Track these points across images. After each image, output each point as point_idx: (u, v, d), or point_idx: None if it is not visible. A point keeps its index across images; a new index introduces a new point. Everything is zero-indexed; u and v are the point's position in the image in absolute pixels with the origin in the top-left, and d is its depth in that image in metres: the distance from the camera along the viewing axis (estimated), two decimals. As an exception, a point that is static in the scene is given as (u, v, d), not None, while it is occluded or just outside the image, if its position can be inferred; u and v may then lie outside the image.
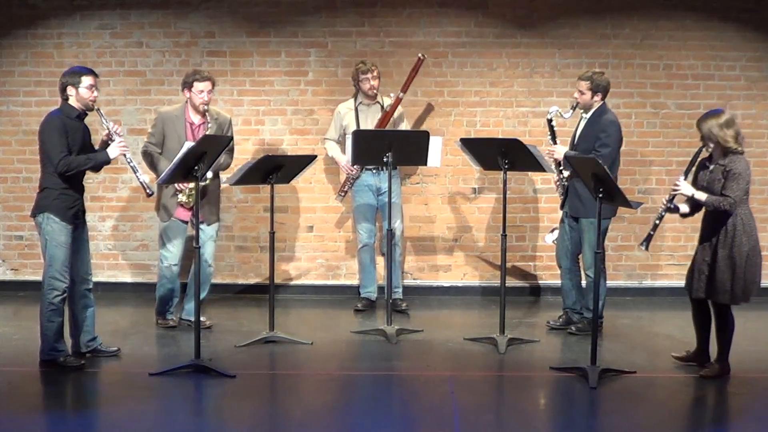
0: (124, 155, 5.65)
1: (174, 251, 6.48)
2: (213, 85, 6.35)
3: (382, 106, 7.06)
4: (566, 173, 6.41)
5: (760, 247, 5.47)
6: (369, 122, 7.03)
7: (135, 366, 5.73)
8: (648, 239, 5.67)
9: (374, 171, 7.06)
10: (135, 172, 5.71)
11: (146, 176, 5.85)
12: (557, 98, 7.52)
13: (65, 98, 5.56)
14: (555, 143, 6.40)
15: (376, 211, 7.20)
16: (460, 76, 7.69)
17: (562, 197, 6.56)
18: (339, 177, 7.61)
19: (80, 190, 5.67)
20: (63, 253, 5.51)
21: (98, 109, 5.61)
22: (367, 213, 7.16)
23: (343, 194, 7.24)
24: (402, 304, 7.14)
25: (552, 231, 6.82)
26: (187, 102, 6.39)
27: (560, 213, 6.69)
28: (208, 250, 6.42)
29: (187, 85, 6.31)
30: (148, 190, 5.72)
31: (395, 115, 7.07)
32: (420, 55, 7.06)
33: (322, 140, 7.51)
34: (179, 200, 6.37)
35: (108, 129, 5.60)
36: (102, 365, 5.73)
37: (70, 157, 5.47)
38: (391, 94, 7.07)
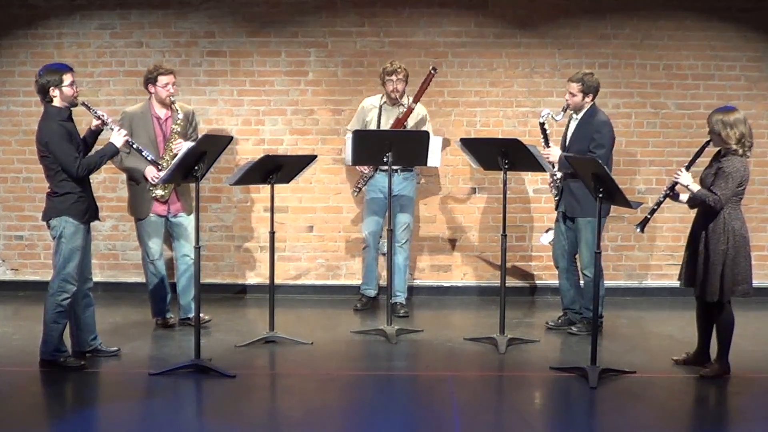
0: (128, 141, 5.68)
1: (155, 247, 6.54)
2: (175, 77, 6.50)
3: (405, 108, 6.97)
4: (559, 174, 6.44)
5: (748, 249, 5.46)
6: (390, 123, 6.92)
7: (135, 366, 5.73)
8: (644, 222, 5.72)
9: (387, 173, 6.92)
10: (141, 152, 5.81)
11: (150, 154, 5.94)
12: (557, 98, 7.51)
13: (48, 100, 5.47)
14: (548, 146, 6.42)
15: (386, 206, 7.07)
16: (460, 76, 7.69)
17: (556, 198, 6.57)
18: (340, 176, 7.62)
19: (91, 190, 5.70)
20: (78, 257, 5.52)
21: (83, 102, 5.59)
22: (376, 207, 7.07)
23: (357, 190, 7.16)
24: (401, 310, 7.04)
25: (547, 231, 6.83)
26: (150, 98, 6.47)
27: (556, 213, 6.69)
28: (185, 243, 6.49)
29: (151, 80, 6.40)
30: (159, 166, 5.86)
31: (414, 120, 6.95)
32: (432, 69, 6.91)
33: (323, 140, 7.50)
34: (154, 195, 6.40)
35: (101, 119, 5.59)
36: (102, 365, 5.73)
37: (84, 159, 5.47)
38: (410, 98, 6.95)
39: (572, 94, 6.35)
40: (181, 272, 6.59)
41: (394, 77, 6.84)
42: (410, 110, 6.90)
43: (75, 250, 5.51)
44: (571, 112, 6.45)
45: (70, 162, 5.41)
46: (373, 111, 7.03)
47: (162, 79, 6.37)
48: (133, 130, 6.36)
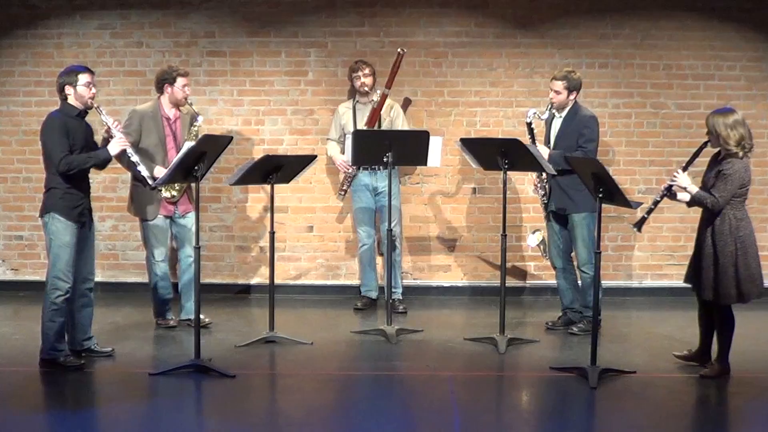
0: (126, 150, 5.65)
1: (161, 248, 6.53)
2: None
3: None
4: (544, 175, 6.44)
5: (756, 249, 5.45)
6: (365, 119, 7.04)
7: (135, 366, 5.73)
8: (641, 222, 5.73)
9: (371, 170, 7.08)
10: (136, 166, 5.75)
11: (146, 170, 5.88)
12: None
13: (64, 98, 5.56)
14: (535, 144, 6.42)
15: (374, 213, 7.22)
16: (460, 76, 7.69)
17: (544, 200, 6.57)
18: (338, 176, 7.62)
19: (85, 189, 5.68)
20: (67, 254, 5.51)
21: (98, 107, 5.60)
22: (366, 216, 7.20)
23: (343, 193, 7.26)
24: (399, 305, 7.12)
25: (534, 232, 6.83)
26: (160, 98, 6.47)
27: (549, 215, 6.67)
28: (193, 241, 6.46)
29: (169, 81, 6.40)
30: (150, 182, 5.78)
31: (390, 112, 7.09)
32: (399, 50, 7.09)
33: (323, 141, 7.52)
34: (164, 196, 6.39)
35: (108, 125, 5.60)
36: (102, 365, 5.73)
37: (70, 156, 5.46)
38: (378, 91, 7.09)
39: (557, 92, 6.37)
40: (184, 272, 6.58)
41: (360, 73, 7.03)
42: (384, 96, 7.05)
43: (63, 247, 5.50)
44: (554, 111, 6.46)
45: (55, 154, 5.44)
46: (347, 113, 7.14)
47: (180, 81, 6.38)
48: (143, 129, 6.35)
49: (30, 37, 7.68)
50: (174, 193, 6.42)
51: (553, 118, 6.51)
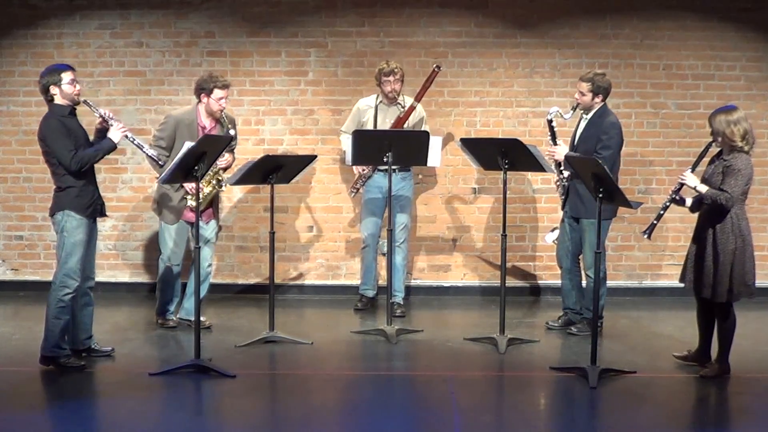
0: (126, 136, 5.63)
1: (179, 252, 6.49)
2: (228, 91, 6.37)
3: (403, 107, 6.98)
4: (566, 173, 6.41)
5: (752, 249, 5.45)
6: (387, 122, 6.94)
7: (135, 366, 5.73)
8: (651, 228, 5.67)
9: (386, 173, 6.96)
10: (141, 149, 5.71)
11: (153, 150, 5.89)
12: (557, 98, 7.52)
13: (50, 99, 5.52)
14: (555, 144, 6.39)
15: (382, 215, 7.12)
16: (460, 76, 7.69)
17: (562, 198, 6.55)
18: (340, 176, 7.62)
19: (96, 185, 5.69)
20: (80, 252, 5.53)
21: (85, 101, 5.60)
22: (375, 208, 7.08)
23: (354, 191, 7.18)
24: (398, 310, 7.03)
25: (552, 230, 6.82)
26: (197, 106, 6.39)
27: (560, 213, 6.68)
28: (207, 250, 6.44)
29: (206, 90, 6.27)
30: (159, 161, 5.75)
31: (414, 120, 6.98)
32: (435, 66, 6.96)
33: (323, 140, 7.50)
34: (189, 204, 6.34)
35: (101, 116, 5.60)
36: (102, 365, 5.73)
37: (79, 153, 5.47)
38: (405, 97, 6.98)
39: (582, 94, 6.32)
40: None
41: (391, 77, 6.85)
42: (412, 108, 6.92)
43: (77, 244, 5.51)
44: (581, 111, 6.43)
45: (64, 155, 5.44)
46: (369, 111, 7.04)
47: (218, 93, 6.25)
48: (177, 135, 6.26)
49: (30, 37, 7.68)
50: (192, 202, 6.35)
51: (581, 119, 6.48)
